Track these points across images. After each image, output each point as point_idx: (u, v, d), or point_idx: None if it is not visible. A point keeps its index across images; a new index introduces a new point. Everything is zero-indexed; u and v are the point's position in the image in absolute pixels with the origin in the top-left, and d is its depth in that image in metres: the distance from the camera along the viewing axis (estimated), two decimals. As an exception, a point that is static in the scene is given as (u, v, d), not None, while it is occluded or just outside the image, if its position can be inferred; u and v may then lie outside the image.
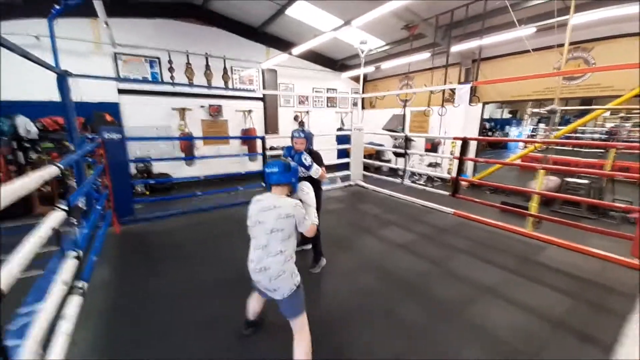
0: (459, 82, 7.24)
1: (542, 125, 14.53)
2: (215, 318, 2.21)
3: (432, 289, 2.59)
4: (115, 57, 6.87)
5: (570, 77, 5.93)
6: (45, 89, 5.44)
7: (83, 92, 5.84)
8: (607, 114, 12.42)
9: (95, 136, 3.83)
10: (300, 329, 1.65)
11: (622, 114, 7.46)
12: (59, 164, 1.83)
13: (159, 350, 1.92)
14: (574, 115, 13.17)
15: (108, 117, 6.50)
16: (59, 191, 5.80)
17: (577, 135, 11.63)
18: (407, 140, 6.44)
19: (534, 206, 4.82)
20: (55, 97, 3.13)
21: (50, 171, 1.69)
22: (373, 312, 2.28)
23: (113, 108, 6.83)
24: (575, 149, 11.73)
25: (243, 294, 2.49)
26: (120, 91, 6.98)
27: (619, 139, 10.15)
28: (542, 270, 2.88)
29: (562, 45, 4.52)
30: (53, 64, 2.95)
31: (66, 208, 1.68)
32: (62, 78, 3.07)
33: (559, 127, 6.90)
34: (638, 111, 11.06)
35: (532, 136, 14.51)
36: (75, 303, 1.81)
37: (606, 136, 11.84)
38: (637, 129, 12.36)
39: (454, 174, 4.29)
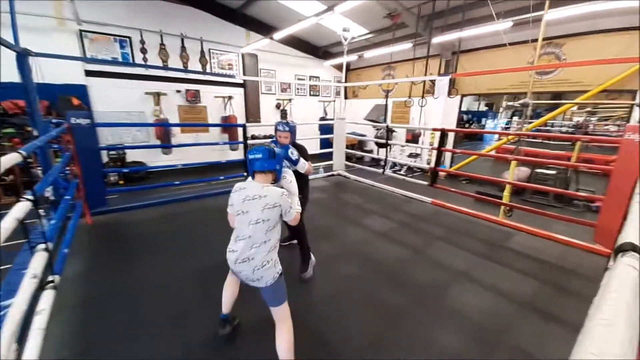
0: (439, 74, 7.37)
1: (515, 118, 15.20)
2: (191, 310, 2.19)
3: (410, 274, 2.70)
4: (81, 35, 6.37)
5: (543, 71, 6.20)
6: (3, 70, 4.98)
7: (46, 72, 5.42)
8: (575, 108, 13.18)
9: (61, 121, 3.58)
10: (282, 317, 1.64)
11: (588, 109, 7.94)
12: (21, 151, 1.70)
13: (133, 344, 1.88)
14: (544, 109, 13.87)
15: (75, 101, 6.08)
16: (24, 180, 5.42)
17: (547, 128, 12.27)
18: (389, 130, 6.53)
19: (506, 195, 5.09)
20: (16, 78, 2.87)
21: (11, 158, 1.57)
22: (353, 299, 2.34)
23: (80, 90, 6.39)
24: (545, 141, 12.42)
25: (220, 284, 2.49)
26: (88, 73, 6.53)
27: (585, 132, 10.82)
28: (511, 255, 3.07)
29: (536, 40, 4.69)
30: (12, 42, 2.70)
31: (32, 198, 1.58)
32: (22, 57, 2.83)
33: (531, 120, 7.24)
34: (604, 106, 11.81)
35: (506, 128, 15.16)
36: (47, 297, 1.74)
37: (573, 129, 12.59)
38: (602, 122, 13.23)
39: (433, 165, 4.42)
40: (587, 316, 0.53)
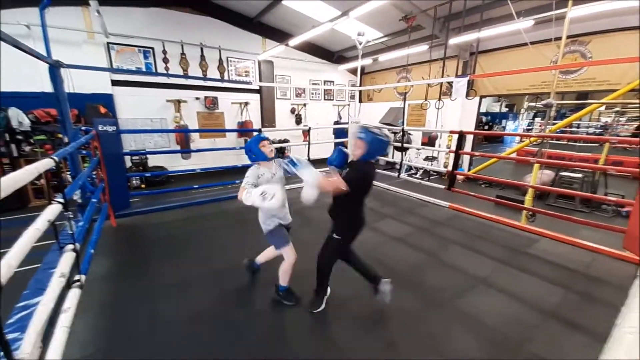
0: (457, 75, 7.22)
1: (538, 119, 14.61)
2: (207, 310, 2.24)
3: (425, 279, 2.64)
4: (108, 47, 6.74)
5: (567, 70, 5.94)
6: (37, 80, 5.35)
7: (75, 83, 5.75)
8: (603, 108, 12.52)
9: (89, 128, 3.78)
10: (284, 255, 2.23)
11: (617, 109, 7.53)
12: (53, 157, 1.82)
13: (154, 344, 1.94)
14: (569, 110, 13.26)
15: (102, 109, 6.41)
16: (53, 184, 5.76)
17: (572, 129, 11.72)
18: (405, 134, 6.45)
19: (528, 200, 4.89)
20: (48, 88, 3.07)
21: (45, 164, 1.67)
22: (367, 303, 2.32)
23: (107, 99, 6.74)
24: (570, 143, 11.85)
25: (237, 286, 2.53)
26: (114, 82, 6.88)
27: (613, 133, 10.23)
28: (534, 262, 2.94)
29: (559, 38, 4.52)
30: (45, 54, 2.89)
31: (62, 201, 1.67)
32: (54, 68, 3.02)
33: (555, 121, 6.94)
34: (634, 106, 11.16)
35: (528, 130, 14.59)
36: (73, 296, 1.82)
37: (601, 130, 11.95)
38: (632, 123, 12.48)
39: (450, 168, 4.32)
40: (615, 325, 0.51)
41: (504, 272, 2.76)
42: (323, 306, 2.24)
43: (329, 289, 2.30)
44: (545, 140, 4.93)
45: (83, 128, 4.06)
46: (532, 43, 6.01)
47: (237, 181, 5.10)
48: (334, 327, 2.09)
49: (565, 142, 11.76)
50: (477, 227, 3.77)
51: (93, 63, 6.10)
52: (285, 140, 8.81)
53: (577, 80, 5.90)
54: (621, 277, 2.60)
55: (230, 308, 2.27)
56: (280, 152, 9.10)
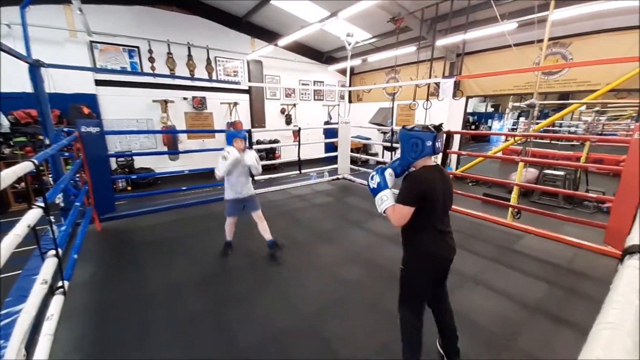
0: (444, 76, 7.34)
1: (522, 119, 15.02)
2: (197, 315, 2.20)
3: (417, 279, 2.67)
4: (91, 46, 6.55)
5: (549, 72, 6.13)
6: (17, 80, 5.15)
7: (58, 83, 5.57)
8: (584, 108, 12.97)
9: (72, 129, 3.66)
10: (261, 216, 3.01)
11: (597, 108, 7.83)
12: (33, 159, 1.75)
13: (141, 349, 1.90)
14: (552, 109, 13.68)
15: (85, 110, 6.23)
16: (35, 187, 5.56)
17: (555, 128, 12.09)
18: (394, 134, 6.51)
19: (514, 197, 5.02)
20: (28, 88, 2.96)
21: (23, 167, 1.61)
22: (359, 303, 2.33)
23: (90, 100, 6.55)
24: (552, 141, 12.24)
25: (229, 288, 2.50)
26: (98, 82, 6.69)
27: (593, 132, 10.63)
28: (520, 258, 3.02)
29: (541, 40, 4.65)
30: (24, 54, 2.79)
31: (43, 205, 1.62)
32: (34, 68, 2.91)
33: (538, 121, 7.15)
34: (613, 105, 11.61)
35: (513, 129, 14.98)
36: (57, 303, 1.77)
37: (582, 130, 12.37)
38: (612, 122, 12.98)
39: (438, 167, 4.38)
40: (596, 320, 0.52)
41: (491, 269, 2.82)
42: None
43: None
44: (529, 140, 5.06)
45: (65, 129, 3.94)
46: (516, 45, 6.17)
47: (227, 182, 5.08)
48: (325, 330, 2.09)
49: (549, 141, 12.14)
50: (465, 225, 3.84)
51: (75, 62, 5.92)
52: (276, 141, 8.77)
53: (558, 81, 6.09)
54: (603, 271, 2.69)
55: (223, 311, 2.24)
56: (271, 154, 9.05)
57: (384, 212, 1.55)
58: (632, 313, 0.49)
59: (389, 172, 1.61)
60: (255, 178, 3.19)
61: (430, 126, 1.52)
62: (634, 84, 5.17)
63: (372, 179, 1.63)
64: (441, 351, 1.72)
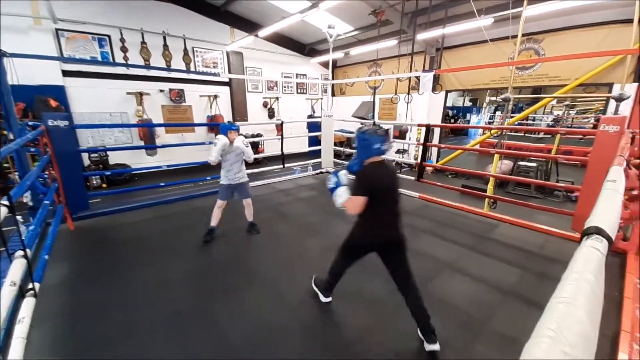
0: (423, 70, 7.46)
1: (498, 113, 15.58)
2: (183, 312, 2.16)
3: (398, 268, 2.75)
4: (57, 34, 6.15)
5: (523, 66, 6.38)
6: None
7: (21, 73, 5.19)
8: (555, 102, 13.62)
9: (37, 123, 3.45)
10: (250, 203, 3.29)
11: (567, 102, 8.25)
12: (-5, 155, 1.64)
13: (120, 351, 1.85)
14: (526, 103, 14.27)
15: (52, 102, 5.88)
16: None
17: (529, 122, 12.64)
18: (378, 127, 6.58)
19: (490, 188, 5.23)
20: (-14, 79, 2.76)
21: (-16, 163, 1.51)
22: (342, 292, 2.37)
23: (58, 92, 6.17)
24: (526, 134, 12.79)
25: (212, 285, 2.47)
26: (66, 73, 6.30)
27: (563, 125, 11.20)
28: (495, 246, 3.17)
29: (516, 36, 4.82)
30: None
31: (8, 204, 1.52)
32: (-7, 57, 2.71)
33: (513, 115, 7.44)
34: (582, 99, 12.24)
35: (490, 123, 15.52)
36: (28, 305, 1.69)
37: (553, 123, 13.02)
38: (581, 115, 13.70)
39: (419, 160, 4.49)
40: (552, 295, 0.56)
41: (468, 257, 2.94)
42: (323, 299, 2.23)
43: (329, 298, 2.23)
44: (504, 132, 5.27)
45: (30, 123, 3.70)
46: (492, 40, 6.37)
47: (209, 178, 4.99)
48: (310, 317, 2.12)
49: (523, 134, 12.69)
50: (444, 216, 3.97)
51: (41, 52, 5.53)
52: (259, 135, 8.65)
53: (532, 76, 6.35)
54: (571, 255, 2.84)
55: (210, 307, 2.22)
56: (254, 148, 8.91)
57: (342, 205, 1.83)
58: (587, 288, 0.53)
59: (343, 173, 1.91)
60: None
61: (379, 131, 1.81)
62: (601, 79, 5.47)
63: (329, 180, 1.93)
64: (420, 336, 1.85)
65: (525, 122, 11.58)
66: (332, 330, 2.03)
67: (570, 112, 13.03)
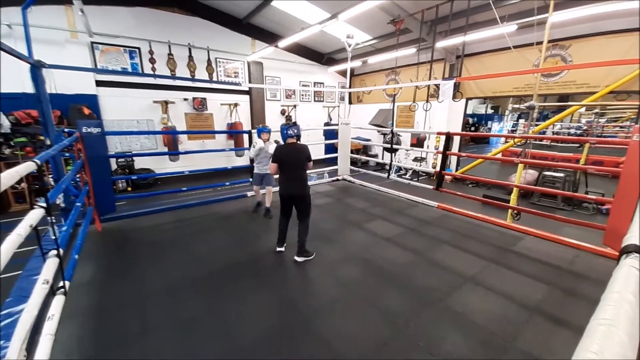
0: (443, 78, 7.37)
1: (522, 121, 15.04)
2: (198, 314, 2.20)
3: (415, 279, 2.68)
4: (92, 47, 6.58)
5: (548, 73, 6.16)
6: (17, 81, 5.17)
7: (58, 83, 5.59)
8: (583, 110, 13.01)
9: (73, 130, 3.68)
10: (270, 190, 4.13)
11: (596, 110, 7.85)
12: (35, 160, 1.76)
13: (142, 350, 1.90)
14: (552, 111, 13.71)
15: (86, 110, 6.25)
16: (35, 188, 5.56)
17: (555, 130, 12.11)
18: (394, 135, 6.53)
19: (513, 199, 5.03)
20: (29, 88, 2.98)
21: (26, 167, 1.62)
22: (358, 303, 2.33)
23: (91, 100, 6.57)
24: (552, 143, 12.26)
25: (228, 288, 2.51)
26: (99, 83, 6.71)
27: (593, 134, 10.64)
28: (519, 259, 3.02)
29: (541, 42, 4.68)
30: (26, 54, 2.80)
31: (45, 205, 1.62)
32: (36, 68, 2.92)
33: (538, 123, 7.17)
34: (612, 107, 11.63)
35: (513, 131, 15.01)
36: (58, 303, 1.77)
37: (581, 131, 12.41)
38: (612, 124, 13.00)
39: (438, 168, 4.40)
40: (592, 316, 0.53)
41: (491, 270, 2.82)
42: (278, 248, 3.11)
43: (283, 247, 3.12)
44: (528, 141, 5.08)
45: (66, 130, 3.95)
46: (515, 47, 6.21)
47: (228, 183, 5.10)
48: (325, 329, 2.09)
49: (549, 143, 12.17)
50: (465, 227, 3.84)
51: (76, 63, 5.94)
52: (276, 142, 8.78)
53: (558, 83, 6.11)
54: (602, 272, 2.70)
55: (223, 311, 2.25)
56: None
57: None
58: (627, 310, 0.50)
59: (272, 147, 3.47)
60: None
61: (290, 124, 3.01)
62: (633, 86, 5.19)
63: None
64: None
65: (551, 130, 11.10)
66: (345, 342, 2.00)
67: (600, 120, 12.39)
